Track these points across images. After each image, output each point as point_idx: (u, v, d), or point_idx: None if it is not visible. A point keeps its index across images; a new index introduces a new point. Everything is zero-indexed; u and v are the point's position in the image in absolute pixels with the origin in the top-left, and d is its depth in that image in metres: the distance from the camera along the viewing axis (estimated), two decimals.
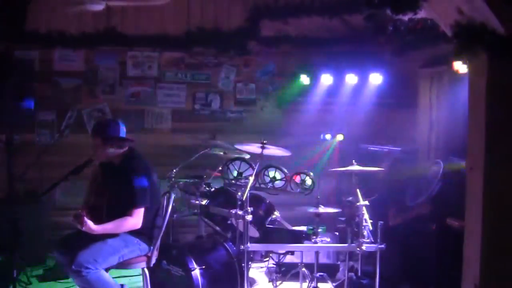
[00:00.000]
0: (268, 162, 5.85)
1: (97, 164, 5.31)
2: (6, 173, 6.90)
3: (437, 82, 7.17)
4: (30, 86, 6.85)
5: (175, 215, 6.02)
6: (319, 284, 5.58)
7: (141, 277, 5.31)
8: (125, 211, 4.93)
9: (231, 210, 5.30)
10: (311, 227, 5.53)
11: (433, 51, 6.89)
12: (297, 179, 5.71)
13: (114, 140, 5.11)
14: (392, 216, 6.15)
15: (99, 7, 7.18)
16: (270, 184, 5.82)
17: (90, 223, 4.74)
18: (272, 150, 5.73)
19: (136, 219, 4.94)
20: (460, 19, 3.84)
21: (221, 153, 6.25)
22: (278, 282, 5.75)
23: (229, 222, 5.87)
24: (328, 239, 5.49)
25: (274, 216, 5.77)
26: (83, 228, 4.74)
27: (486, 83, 3.85)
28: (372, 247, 5.16)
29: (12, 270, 5.46)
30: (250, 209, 5.13)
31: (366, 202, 5.26)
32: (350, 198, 5.54)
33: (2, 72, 6.60)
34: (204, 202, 5.81)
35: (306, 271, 5.64)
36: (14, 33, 7.44)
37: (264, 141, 5.60)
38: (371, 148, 7.28)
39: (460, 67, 5.71)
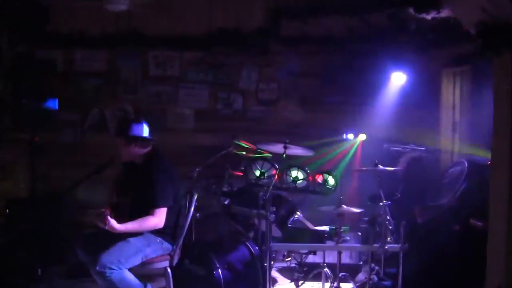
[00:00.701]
0: (291, 162, 5.84)
1: (120, 163, 5.34)
2: (29, 172, 6.99)
3: (460, 82, 7.12)
4: (52, 86, 6.89)
5: (197, 215, 6.02)
6: (341, 284, 5.57)
7: (163, 276, 5.33)
8: (148, 211, 4.94)
9: (254, 210, 5.30)
10: (334, 227, 5.51)
11: (456, 50, 6.85)
12: (320, 178, 5.71)
13: (137, 140, 5.13)
14: (418, 214, 6.10)
15: (121, 7, 7.21)
16: (292, 184, 5.82)
17: (113, 221, 4.76)
18: (295, 150, 5.72)
19: (158, 219, 4.95)
20: (484, 18, 3.81)
21: (243, 153, 6.25)
22: (300, 282, 5.75)
23: (251, 221, 5.87)
24: (351, 239, 5.47)
25: (296, 216, 5.76)
26: (106, 227, 4.77)
27: (511, 82, 3.82)
28: (395, 247, 5.14)
29: (35, 268, 5.51)
30: (272, 209, 5.13)
31: (389, 202, 5.24)
32: (373, 198, 5.51)
33: (24, 72, 6.66)
34: (226, 201, 5.82)
35: (328, 271, 5.63)
36: (36, 33, 7.50)
37: (287, 141, 5.60)
38: (394, 148, 7.23)
39: (484, 66, 5.67)
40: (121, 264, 4.79)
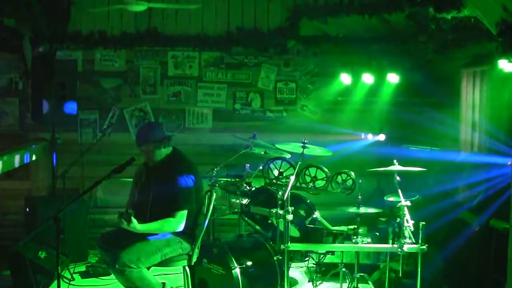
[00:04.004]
0: (309, 162, 5.84)
1: (142, 163, 5.37)
2: (49, 171, 7.05)
3: (480, 81, 7.06)
4: (72, 86, 6.94)
5: (215, 214, 6.03)
6: (359, 285, 5.56)
7: (181, 275, 5.35)
8: (169, 212, 4.97)
9: (272, 210, 5.30)
10: (352, 227, 5.50)
11: (476, 50, 6.80)
12: (338, 178, 5.69)
13: (164, 141, 5.17)
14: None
15: (141, 7, 7.24)
16: (311, 184, 5.81)
17: (135, 221, 4.79)
18: (313, 150, 5.71)
19: (178, 221, 4.97)
20: (505, 16, 3.79)
21: (262, 152, 6.25)
22: (318, 282, 5.74)
23: (269, 221, 5.86)
24: (369, 240, 5.45)
25: (314, 216, 5.75)
26: (128, 227, 4.78)
27: None
28: (414, 248, 5.11)
29: (55, 266, 5.54)
30: (290, 209, 5.12)
31: (408, 203, 5.20)
32: (392, 199, 5.48)
33: (45, 72, 6.71)
34: (244, 201, 5.82)
35: (346, 271, 5.62)
36: (57, 34, 7.56)
37: (305, 141, 5.59)
38: (413, 149, 7.19)
39: (505, 65, 5.62)
40: (140, 263, 4.82)
